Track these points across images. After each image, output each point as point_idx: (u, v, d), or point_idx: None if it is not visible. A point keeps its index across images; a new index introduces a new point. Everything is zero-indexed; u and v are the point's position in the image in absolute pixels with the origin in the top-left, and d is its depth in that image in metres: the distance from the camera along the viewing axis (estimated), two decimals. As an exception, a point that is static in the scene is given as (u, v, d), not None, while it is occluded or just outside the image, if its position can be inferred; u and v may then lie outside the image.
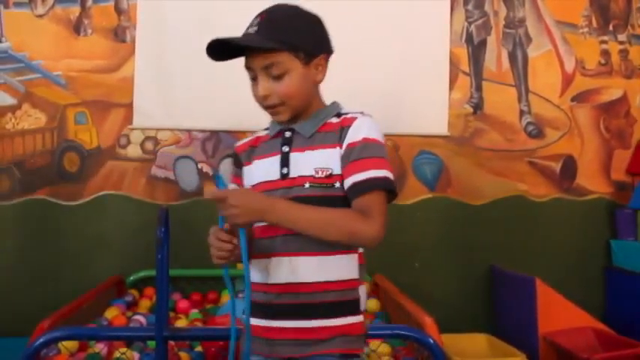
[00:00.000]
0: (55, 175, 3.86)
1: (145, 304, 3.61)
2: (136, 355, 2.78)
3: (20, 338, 2.93)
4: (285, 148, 1.52)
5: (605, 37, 4.34)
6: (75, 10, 3.91)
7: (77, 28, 3.91)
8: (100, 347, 2.79)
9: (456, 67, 4.17)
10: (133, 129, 3.91)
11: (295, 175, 1.49)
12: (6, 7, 3.88)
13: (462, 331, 3.45)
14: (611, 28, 4.35)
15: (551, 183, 4.24)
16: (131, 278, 3.81)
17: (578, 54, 4.30)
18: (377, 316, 3.50)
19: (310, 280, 1.47)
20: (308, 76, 1.51)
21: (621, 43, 4.36)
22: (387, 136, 3.97)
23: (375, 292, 3.79)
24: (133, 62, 3.90)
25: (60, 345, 2.65)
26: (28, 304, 3.67)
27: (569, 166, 4.26)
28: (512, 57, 4.25)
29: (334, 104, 1.60)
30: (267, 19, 1.46)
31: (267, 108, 1.54)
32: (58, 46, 3.89)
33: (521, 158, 4.21)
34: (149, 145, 3.92)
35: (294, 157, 1.51)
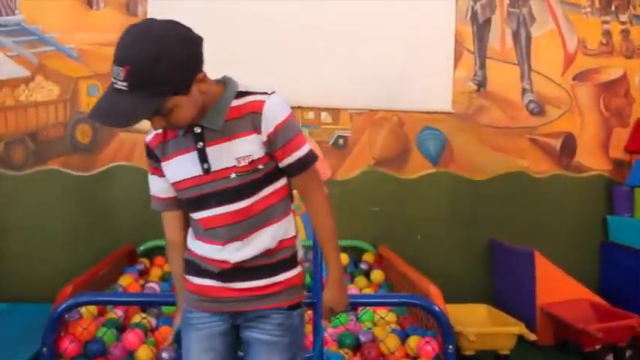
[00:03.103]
0: (68, 146, 3.94)
1: (156, 272, 3.73)
2: (153, 320, 2.90)
3: (40, 304, 3.06)
4: (200, 144, 1.53)
5: (607, 17, 4.42)
6: (87, -16, 3.97)
7: (90, 1, 3.96)
8: (118, 313, 2.92)
9: (460, 45, 4.25)
10: (144, 102, 3.97)
11: (218, 168, 1.53)
12: (19, -21, 3.93)
13: (463, 301, 3.56)
14: (613, 8, 4.42)
15: (551, 160, 4.35)
16: (142, 248, 3.92)
17: (580, 33, 4.38)
18: (381, 287, 3.62)
19: (262, 249, 1.59)
20: (192, 97, 1.46)
21: (623, 23, 4.44)
22: (392, 111, 4.11)
23: (379, 263, 3.91)
24: (145, 36, 3.95)
25: (83, 309, 2.76)
26: (41, 271, 3.80)
27: (569, 143, 4.36)
28: (515, 36, 4.33)
29: (229, 86, 1.57)
30: (134, 71, 1.35)
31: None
32: (70, 20, 3.94)
33: (523, 135, 4.32)
34: (160, 118, 3.97)
35: (211, 150, 1.53)
